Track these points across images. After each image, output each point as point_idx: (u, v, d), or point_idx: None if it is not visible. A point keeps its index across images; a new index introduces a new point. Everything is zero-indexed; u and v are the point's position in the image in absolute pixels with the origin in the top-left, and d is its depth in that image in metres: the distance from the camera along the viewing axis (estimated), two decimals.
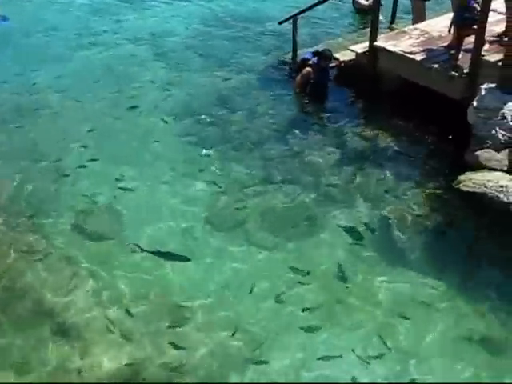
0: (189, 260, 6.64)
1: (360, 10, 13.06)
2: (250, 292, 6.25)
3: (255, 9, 13.70)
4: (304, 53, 10.37)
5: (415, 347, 5.69)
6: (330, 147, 8.66)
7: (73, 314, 6.01)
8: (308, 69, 9.80)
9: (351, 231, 7.09)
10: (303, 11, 10.88)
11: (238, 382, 5.44)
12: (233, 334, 5.78)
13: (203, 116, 9.42)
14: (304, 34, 11.67)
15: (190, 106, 9.77)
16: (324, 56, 9.78)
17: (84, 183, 7.94)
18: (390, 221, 7.24)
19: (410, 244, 6.91)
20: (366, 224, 7.19)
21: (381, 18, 12.23)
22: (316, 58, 9.85)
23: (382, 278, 6.44)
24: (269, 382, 5.43)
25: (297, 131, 9.07)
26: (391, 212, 7.36)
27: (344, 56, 10.14)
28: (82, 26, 13.11)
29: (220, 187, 7.82)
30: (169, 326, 5.90)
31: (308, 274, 6.49)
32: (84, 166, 8.24)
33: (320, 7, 11.12)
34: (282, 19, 11.11)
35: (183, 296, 6.24)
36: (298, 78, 9.96)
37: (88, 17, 13.65)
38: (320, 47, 10.87)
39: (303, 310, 6.05)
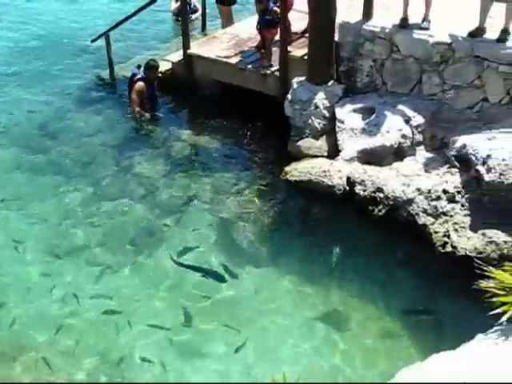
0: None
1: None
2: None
3: (67, 29, 13.24)
4: (131, 69, 10.03)
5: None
6: (161, 159, 8.70)
7: None
8: (140, 83, 9.50)
9: (193, 239, 7.19)
10: (114, 27, 10.78)
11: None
12: None
13: (27, 145, 9.00)
14: (121, 49, 11.59)
15: (12, 136, 9.29)
16: (149, 67, 9.58)
17: None
18: (229, 222, 7.44)
19: (250, 241, 7.17)
20: (205, 229, 7.33)
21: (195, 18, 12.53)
22: (142, 70, 9.63)
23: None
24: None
25: (128, 147, 8.99)
26: (229, 213, 7.57)
27: (161, 67, 10.14)
28: None
29: (53, 214, 7.59)
30: None
31: (158, 287, 6.52)
32: None
33: (137, 18, 11.01)
34: (94, 37, 10.99)
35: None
36: (133, 96, 9.58)
37: None
38: (139, 60, 10.90)
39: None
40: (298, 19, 9.44)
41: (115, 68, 10.95)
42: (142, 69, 9.68)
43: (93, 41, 11.04)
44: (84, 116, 9.79)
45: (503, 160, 6.66)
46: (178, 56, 10.10)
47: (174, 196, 7.92)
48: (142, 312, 6.23)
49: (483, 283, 4.99)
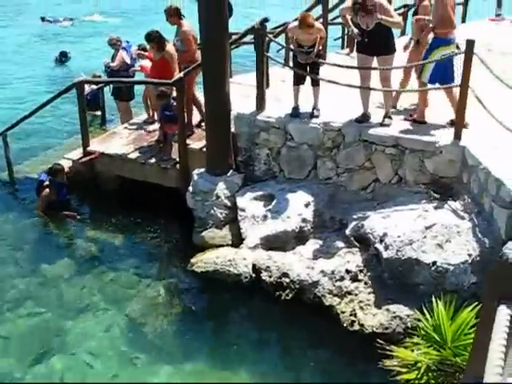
0: None
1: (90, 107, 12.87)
2: None
3: None
4: (40, 174, 9.82)
5: None
6: (65, 259, 8.50)
7: None
8: (46, 190, 9.40)
9: (100, 340, 6.98)
10: (12, 127, 10.69)
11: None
12: None
13: None
14: (20, 149, 11.45)
15: None
16: (55, 171, 9.47)
17: None
18: (136, 319, 7.28)
19: (159, 337, 7.01)
20: (113, 328, 7.14)
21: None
22: (49, 176, 9.50)
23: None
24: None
25: (29, 249, 8.75)
26: (135, 310, 7.41)
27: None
28: None
29: None
30: None
31: None
32: None
33: (37, 116, 10.88)
34: None
35: None
36: (38, 202, 9.51)
37: None
38: (39, 160, 10.91)
39: None
40: (195, 112, 9.75)
41: (14, 168, 10.76)
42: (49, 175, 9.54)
43: None
44: None
45: (398, 237, 7.00)
46: (78, 153, 10.06)
47: (79, 297, 7.70)
48: None
49: (387, 362, 5.15)
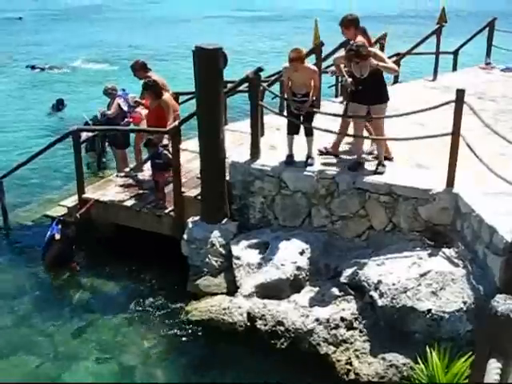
0: None
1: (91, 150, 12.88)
2: None
3: None
4: (52, 226, 9.60)
5: None
6: (59, 307, 8.47)
7: None
8: (59, 246, 9.30)
9: None
10: (7, 174, 10.75)
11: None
12: None
13: None
14: (15, 196, 11.50)
15: None
16: (67, 223, 9.44)
17: None
18: (131, 369, 7.23)
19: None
20: (103, 378, 7.05)
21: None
22: (60, 227, 9.39)
23: None
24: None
25: (22, 297, 8.69)
26: (130, 359, 7.37)
27: (56, 212, 10.06)
28: None
29: None
30: None
31: None
32: None
33: (33, 162, 10.94)
34: None
35: None
36: (50, 256, 9.36)
37: None
38: (34, 206, 10.99)
39: None
40: (190, 160, 9.82)
41: (9, 216, 10.79)
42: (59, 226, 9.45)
43: None
44: None
45: (393, 284, 7.00)
46: (73, 200, 10.07)
47: (72, 346, 7.65)
48: None
49: None
